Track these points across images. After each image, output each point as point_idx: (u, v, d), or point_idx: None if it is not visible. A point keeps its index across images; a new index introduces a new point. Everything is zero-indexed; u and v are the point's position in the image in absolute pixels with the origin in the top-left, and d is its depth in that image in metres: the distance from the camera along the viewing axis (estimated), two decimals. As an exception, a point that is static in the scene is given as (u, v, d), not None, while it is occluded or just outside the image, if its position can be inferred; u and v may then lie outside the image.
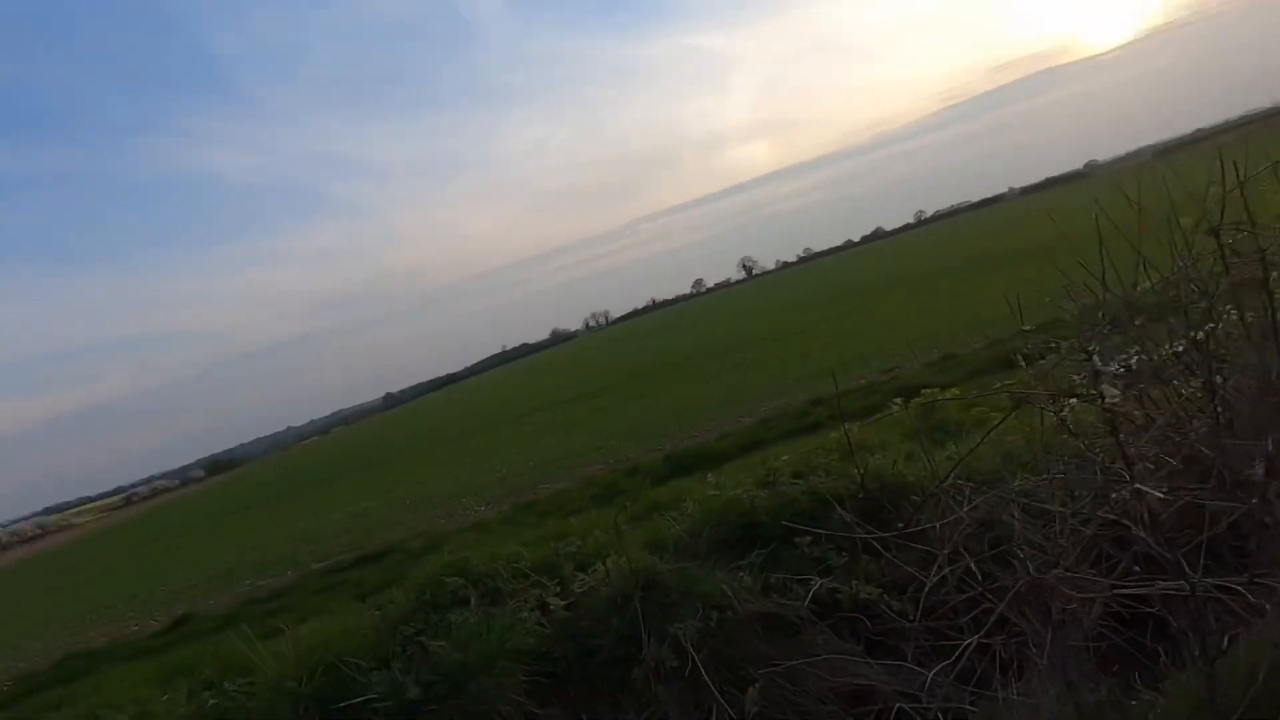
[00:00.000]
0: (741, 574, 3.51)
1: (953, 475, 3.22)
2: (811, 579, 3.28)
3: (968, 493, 3.09)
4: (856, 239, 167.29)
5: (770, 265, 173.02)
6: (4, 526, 75.62)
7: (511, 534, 7.90)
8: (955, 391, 5.67)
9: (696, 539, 3.82)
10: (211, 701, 3.68)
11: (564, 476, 10.98)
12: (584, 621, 3.39)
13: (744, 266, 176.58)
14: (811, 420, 9.61)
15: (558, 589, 3.70)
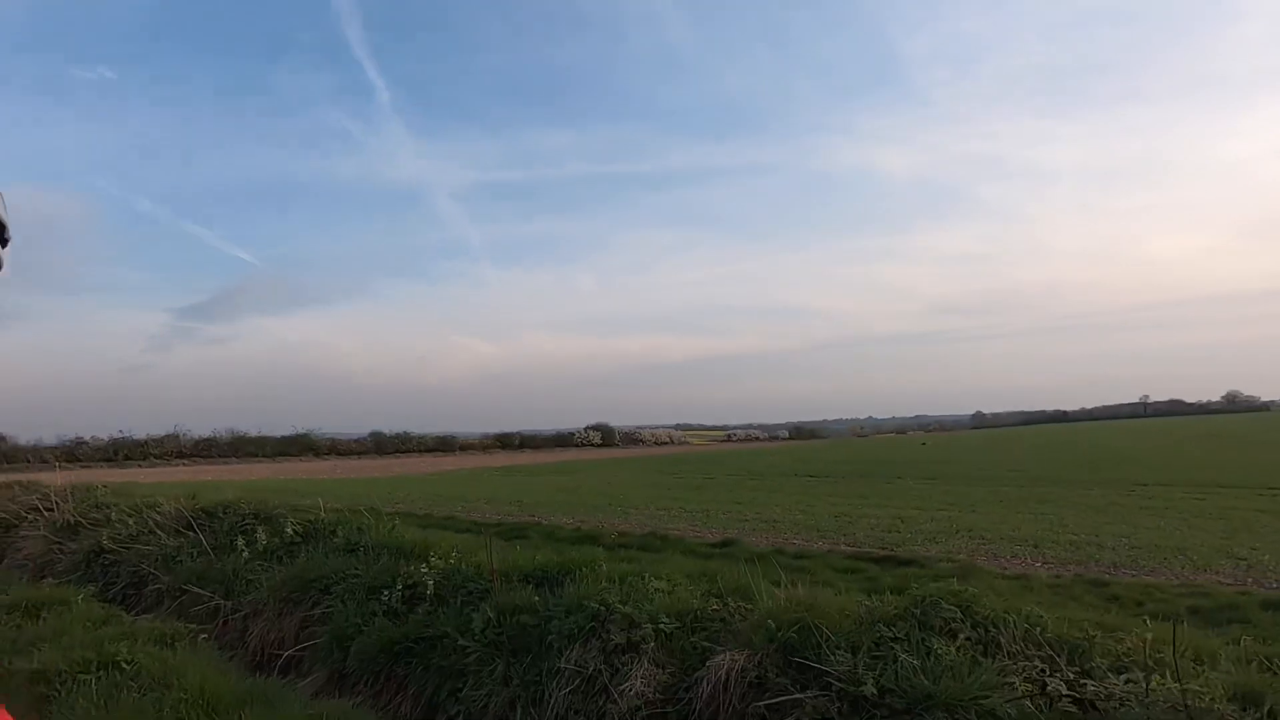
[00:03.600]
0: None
1: None
2: None
3: None
4: None
5: None
6: (652, 428, 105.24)
7: (1058, 603, 6.94)
8: None
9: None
10: (715, 605, 4.61)
11: (1162, 570, 8.93)
12: (1091, 731, 2.91)
13: None
14: None
15: (1073, 673, 3.24)
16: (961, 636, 3.45)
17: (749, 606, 4.49)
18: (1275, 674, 3.11)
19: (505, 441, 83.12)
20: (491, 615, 4.73)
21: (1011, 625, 3.68)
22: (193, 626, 5.83)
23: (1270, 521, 13.30)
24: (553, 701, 4.00)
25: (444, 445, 78.19)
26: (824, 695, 3.36)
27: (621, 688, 3.78)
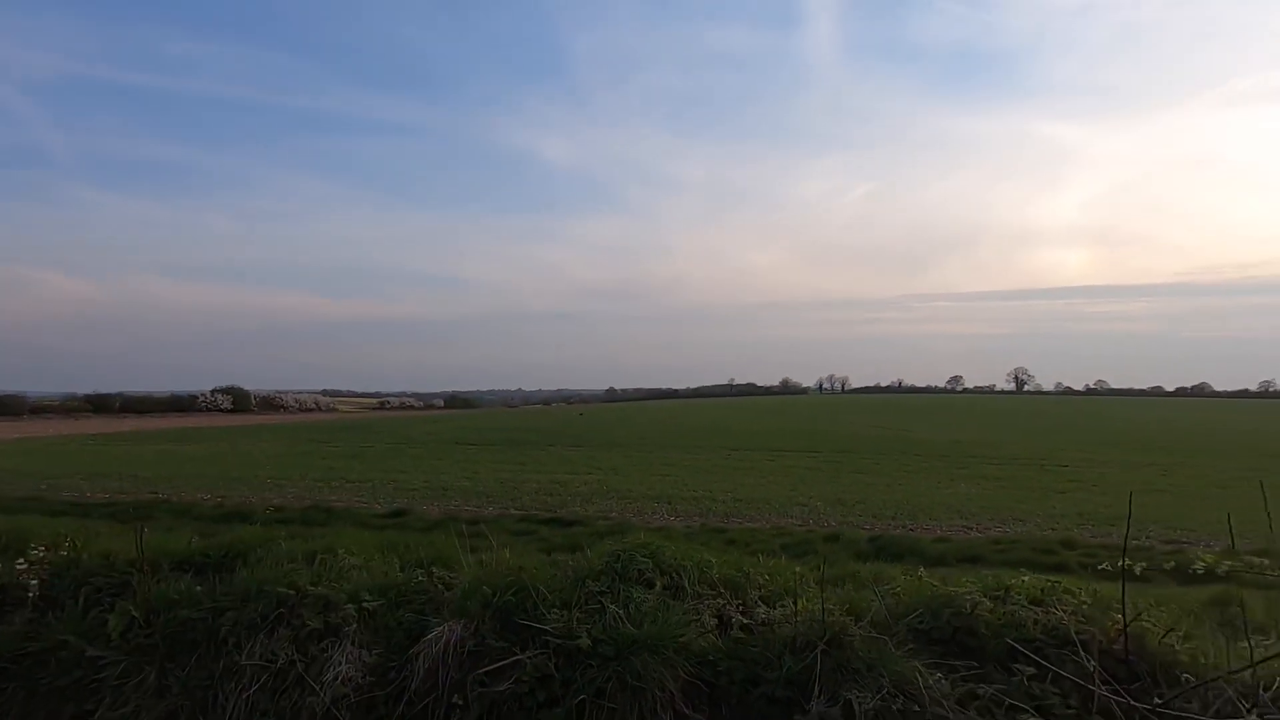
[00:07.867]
0: (938, 675, 3.26)
1: (1250, 673, 2.78)
2: (1026, 713, 2.94)
3: (1263, 699, 2.68)
4: (1170, 388, 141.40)
5: (1047, 385, 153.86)
6: (295, 393, 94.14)
7: (694, 549, 8.09)
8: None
9: (896, 620, 3.62)
10: (420, 578, 4.32)
11: (757, 517, 10.91)
12: (757, 649, 3.40)
13: (1016, 378, 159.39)
14: (1056, 560, 8.47)
15: (740, 609, 3.75)
16: (659, 585, 3.76)
17: (454, 575, 4.30)
18: (869, 590, 3.99)
19: (101, 404, 66.40)
20: (137, 614, 3.78)
21: (690, 570, 4.10)
22: None
23: (816, 476, 17.12)
24: (231, 705, 3.35)
25: (4, 407, 59.55)
26: (543, 653, 3.39)
27: (323, 678, 3.33)
